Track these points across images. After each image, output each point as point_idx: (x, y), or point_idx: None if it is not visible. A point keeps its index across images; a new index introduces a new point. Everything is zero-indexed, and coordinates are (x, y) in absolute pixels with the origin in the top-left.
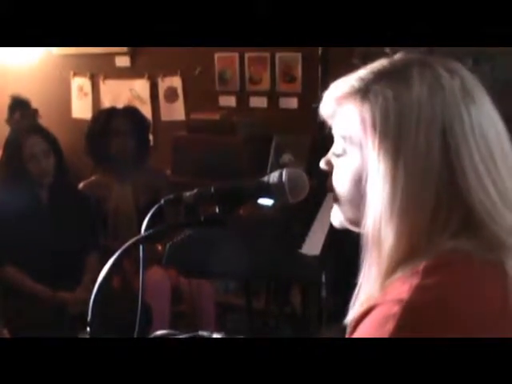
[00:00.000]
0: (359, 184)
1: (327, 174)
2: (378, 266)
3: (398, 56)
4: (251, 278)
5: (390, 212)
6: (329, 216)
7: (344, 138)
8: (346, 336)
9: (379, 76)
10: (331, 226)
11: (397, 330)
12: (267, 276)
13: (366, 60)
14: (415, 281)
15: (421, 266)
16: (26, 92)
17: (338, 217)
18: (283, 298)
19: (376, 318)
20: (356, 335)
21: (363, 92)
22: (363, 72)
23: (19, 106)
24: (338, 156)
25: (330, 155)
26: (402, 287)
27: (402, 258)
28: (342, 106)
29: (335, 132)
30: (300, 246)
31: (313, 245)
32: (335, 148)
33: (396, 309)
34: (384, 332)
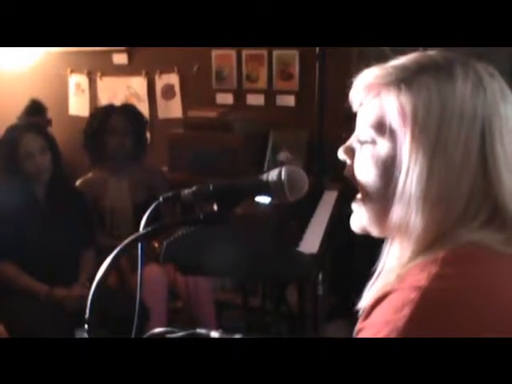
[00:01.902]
0: (388, 173)
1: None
2: (400, 253)
3: (437, 52)
4: (248, 276)
5: (423, 203)
6: (326, 214)
7: (374, 126)
8: (360, 320)
9: (422, 68)
10: (329, 224)
11: (414, 315)
12: (264, 274)
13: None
14: (434, 269)
15: (440, 254)
16: (24, 89)
17: (358, 219)
18: (280, 296)
19: (393, 303)
20: (371, 320)
21: (405, 82)
22: (401, 63)
23: (36, 111)
24: (363, 144)
25: (352, 142)
26: (421, 274)
27: (425, 247)
28: (377, 94)
29: (362, 120)
30: (297, 244)
31: (310, 243)
32: (361, 136)
33: (414, 295)
34: (400, 317)
